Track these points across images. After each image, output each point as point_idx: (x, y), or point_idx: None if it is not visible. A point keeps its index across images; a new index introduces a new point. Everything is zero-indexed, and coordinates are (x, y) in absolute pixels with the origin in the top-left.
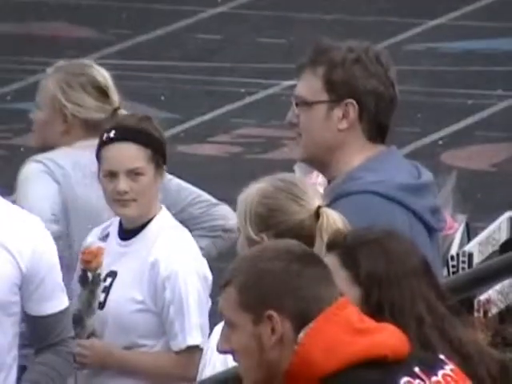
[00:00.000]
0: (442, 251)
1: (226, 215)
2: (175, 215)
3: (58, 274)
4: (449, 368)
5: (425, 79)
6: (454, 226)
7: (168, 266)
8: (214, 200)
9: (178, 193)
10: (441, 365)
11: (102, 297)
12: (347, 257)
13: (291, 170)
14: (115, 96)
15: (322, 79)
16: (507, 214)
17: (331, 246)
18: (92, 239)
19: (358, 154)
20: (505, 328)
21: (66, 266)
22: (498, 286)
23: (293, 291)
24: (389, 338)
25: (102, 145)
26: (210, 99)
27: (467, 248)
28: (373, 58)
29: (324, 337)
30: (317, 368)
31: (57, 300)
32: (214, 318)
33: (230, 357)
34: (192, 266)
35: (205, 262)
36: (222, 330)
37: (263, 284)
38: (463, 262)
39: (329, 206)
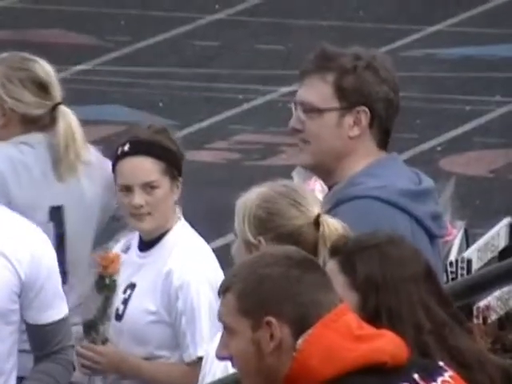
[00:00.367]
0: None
1: None
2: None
3: (57, 281)
4: (448, 375)
5: (423, 85)
6: (453, 232)
7: (181, 276)
8: None
9: None
10: (440, 371)
11: (120, 309)
12: (346, 262)
13: (289, 177)
14: (56, 91)
15: (332, 86)
16: (506, 221)
17: (333, 252)
18: (116, 251)
19: (363, 161)
20: (504, 334)
21: None
22: (497, 293)
23: (292, 297)
24: (388, 344)
25: (117, 159)
26: (208, 105)
27: (466, 254)
28: (381, 64)
29: (323, 343)
30: (316, 374)
31: (57, 308)
32: None
33: (230, 365)
34: (205, 276)
35: (220, 271)
36: (221, 337)
37: (262, 290)
38: (462, 268)
39: (330, 210)
